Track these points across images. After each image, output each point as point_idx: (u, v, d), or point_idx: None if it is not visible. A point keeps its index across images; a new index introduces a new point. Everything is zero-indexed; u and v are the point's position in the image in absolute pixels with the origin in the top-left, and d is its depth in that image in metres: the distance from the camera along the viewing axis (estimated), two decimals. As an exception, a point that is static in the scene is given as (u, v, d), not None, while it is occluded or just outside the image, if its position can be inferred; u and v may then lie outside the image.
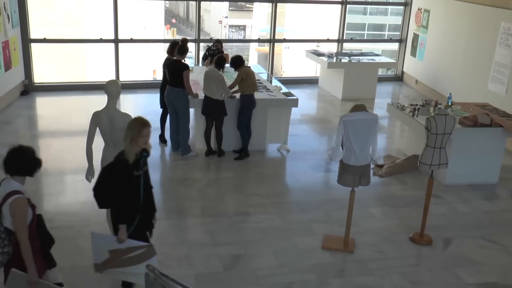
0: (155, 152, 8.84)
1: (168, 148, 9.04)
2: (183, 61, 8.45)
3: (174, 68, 8.32)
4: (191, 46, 9.54)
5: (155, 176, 7.95)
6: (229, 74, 9.61)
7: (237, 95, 8.63)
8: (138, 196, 4.59)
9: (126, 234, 4.51)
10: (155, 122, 9.83)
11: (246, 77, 8.39)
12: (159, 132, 9.27)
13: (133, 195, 4.55)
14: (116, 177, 4.47)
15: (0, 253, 3.94)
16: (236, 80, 8.47)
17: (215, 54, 9.67)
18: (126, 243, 4.48)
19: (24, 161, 3.97)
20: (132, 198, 4.55)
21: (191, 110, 8.83)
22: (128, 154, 4.44)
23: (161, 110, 9.19)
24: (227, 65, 8.89)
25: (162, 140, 9.21)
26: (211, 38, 11.86)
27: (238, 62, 8.51)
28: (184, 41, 8.80)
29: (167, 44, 9.16)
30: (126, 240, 4.49)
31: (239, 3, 34.99)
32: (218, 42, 11.05)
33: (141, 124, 4.46)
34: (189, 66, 8.61)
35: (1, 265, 4.01)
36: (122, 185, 4.46)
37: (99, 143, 5.49)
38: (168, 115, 8.86)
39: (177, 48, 8.42)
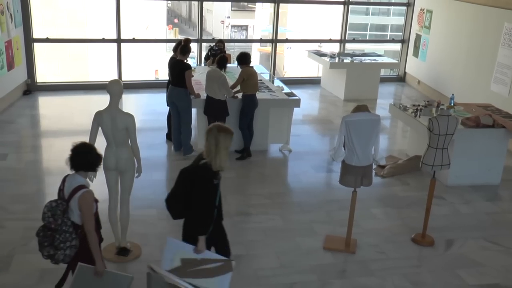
0: (157, 151, 8.84)
1: (170, 147, 9.03)
2: (185, 61, 8.45)
3: (177, 67, 8.33)
4: (193, 46, 9.53)
5: (156, 175, 7.97)
6: (231, 74, 9.62)
7: (239, 95, 8.63)
8: (214, 205, 4.46)
9: (205, 245, 4.36)
10: (155, 122, 9.88)
11: (247, 78, 8.39)
12: (165, 131, 9.30)
13: (211, 204, 4.41)
14: (197, 184, 4.29)
15: (68, 246, 4.09)
16: (237, 80, 8.47)
17: (217, 54, 9.67)
18: (203, 254, 4.35)
19: (89, 158, 4.17)
20: (210, 207, 4.42)
21: (193, 110, 8.83)
22: (223, 162, 4.30)
23: (167, 109, 9.18)
24: (230, 65, 8.89)
25: (169, 139, 9.22)
26: (213, 38, 11.87)
27: (243, 59, 8.52)
28: (187, 41, 8.80)
29: (169, 44, 9.17)
30: (205, 251, 4.36)
31: (241, 3, 34.98)
32: (220, 42, 11.04)
33: (232, 134, 4.42)
34: (191, 66, 8.61)
35: (69, 258, 4.15)
36: (202, 193, 4.31)
37: (101, 142, 5.48)
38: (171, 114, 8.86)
39: (180, 48, 8.43)
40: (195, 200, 4.30)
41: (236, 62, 8.75)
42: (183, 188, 4.36)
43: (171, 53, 9.07)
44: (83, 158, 4.16)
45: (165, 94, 9.12)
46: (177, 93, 8.40)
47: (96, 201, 4.19)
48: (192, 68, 8.61)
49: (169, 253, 4.39)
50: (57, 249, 4.10)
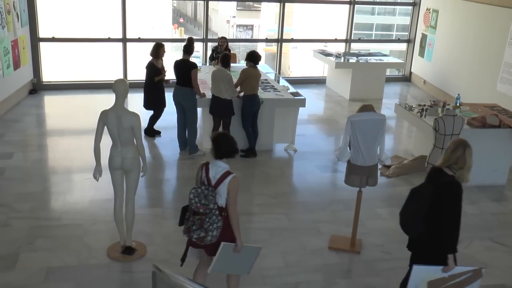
0: (162, 150, 8.85)
1: (176, 147, 9.03)
2: (190, 60, 8.47)
3: (182, 67, 8.34)
4: (199, 45, 9.56)
5: (162, 175, 7.98)
6: (236, 73, 9.61)
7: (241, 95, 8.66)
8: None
9: (454, 262, 4.27)
10: (160, 121, 9.86)
11: (246, 78, 8.39)
12: (171, 130, 9.33)
13: (460, 220, 4.31)
14: (449, 202, 4.18)
15: (215, 228, 4.40)
16: (238, 80, 8.47)
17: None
18: (451, 271, 4.26)
19: (231, 146, 4.49)
20: (459, 223, 4.31)
21: (199, 110, 8.84)
22: (469, 175, 4.30)
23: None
24: (235, 64, 8.90)
25: (151, 135, 9.30)
26: (218, 38, 11.86)
27: (250, 58, 8.53)
28: (190, 40, 8.84)
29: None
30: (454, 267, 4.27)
31: (247, 2, 34.97)
32: (223, 39, 11.05)
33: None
34: (197, 65, 8.63)
35: (215, 239, 4.42)
36: (455, 210, 4.19)
37: (107, 142, 5.50)
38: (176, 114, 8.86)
39: (184, 47, 8.47)
40: (447, 218, 4.20)
41: (240, 62, 8.76)
42: (430, 207, 4.27)
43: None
44: (227, 146, 4.45)
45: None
46: (183, 93, 8.41)
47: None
48: (198, 68, 8.62)
49: (414, 281, 4.32)
50: (207, 232, 4.40)
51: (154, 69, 9.05)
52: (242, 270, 4.76)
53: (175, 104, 8.64)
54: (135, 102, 11.60)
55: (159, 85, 9.21)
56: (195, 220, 4.43)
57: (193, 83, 8.30)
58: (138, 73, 14.50)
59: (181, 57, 8.56)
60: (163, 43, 9.27)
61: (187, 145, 8.77)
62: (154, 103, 9.32)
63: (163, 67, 9.23)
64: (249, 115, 8.59)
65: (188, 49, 8.47)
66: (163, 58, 9.23)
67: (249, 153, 8.74)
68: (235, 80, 8.58)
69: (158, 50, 9.02)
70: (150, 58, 9.16)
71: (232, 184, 4.42)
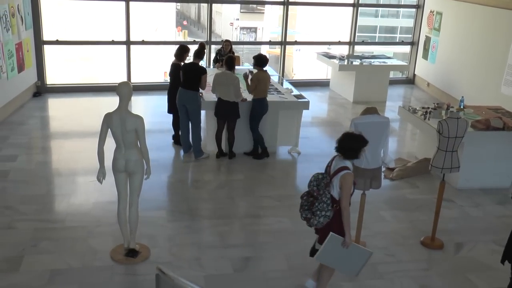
0: (166, 153, 8.86)
1: (178, 150, 9.04)
2: (200, 64, 8.50)
3: (191, 71, 8.34)
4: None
5: (165, 177, 7.99)
6: (241, 76, 9.62)
7: (248, 98, 8.65)
8: None
9: None
10: (165, 124, 9.89)
11: (258, 82, 8.40)
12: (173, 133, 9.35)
13: None
14: None
15: (323, 215, 4.68)
16: (252, 84, 8.44)
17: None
18: None
19: (354, 146, 4.71)
20: None
21: (202, 112, 8.84)
22: None
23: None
24: (239, 67, 8.91)
25: (176, 143, 9.21)
26: (222, 40, 11.89)
27: (259, 62, 8.53)
28: (202, 45, 8.86)
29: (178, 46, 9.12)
30: None
31: (251, 5, 34.99)
32: (228, 42, 11.08)
33: None
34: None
35: (321, 225, 4.74)
36: None
37: (110, 144, 5.51)
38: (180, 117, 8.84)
39: (195, 52, 8.50)
40: None
41: (244, 64, 8.76)
42: None
43: None
44: (349, 145, 4.72)
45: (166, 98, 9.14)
46: (188, 96, 8.40)
47: (354, 184, 4.76)
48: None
49: None
50: (313, 215, 4.72)
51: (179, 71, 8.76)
52: (350, 271, 4.90)
53: (179, 107, 8.63)
54: (139, 104, 11.65)
55: None
56: (308, 201, 4.81)
57: (203, 87, 8.32)
58: (142, 76, 14.53)
59: (191, 61, 8.55)
60: (187, 45, 9.06)
61: (190, 148, 8.77)
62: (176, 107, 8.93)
63: None
64: (259, 118, 8.59)
65: (199, 54, 8.51)
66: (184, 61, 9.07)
67: (262, 155, 8.75)
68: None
69: (182, 53, 8.80)
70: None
71: (344, 180, 4.64)
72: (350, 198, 4.73)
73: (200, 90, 8.52)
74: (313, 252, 5.02)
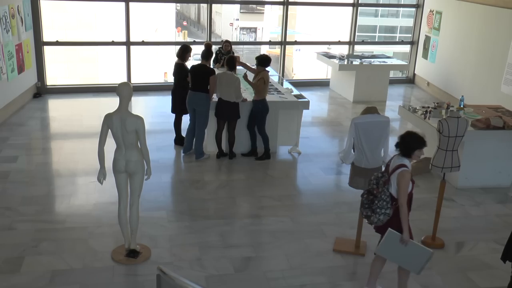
0: (166, 153, 8.86)
1: (179, 150, 9.04)
2: (208, 65, 8.49)
3: (200, 72, 8.33)
4: (201, 48, 9.56)
5: (166, 177, 7.99)
6: (240, 75, 9.62)
7: (248, 98, 8.65)
8: None
9: None
10: (165, 124, 9.90)
11: (266, 83, 8.42)
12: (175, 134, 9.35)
13: None
14: None
15: (383, 213, 4.81)
16: (260, 84, 8.41)
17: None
18: None
19: (411, 144, 4.84)
20: None
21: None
22: None
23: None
24: (238, 67, 8.89)
25: (178, 144, 9.20)
26: (221, 41, 11.90)
27: (264, 62, 8.52)
28: (208, 46, 8.85)
29: (178, 47, 9.11)
30: None
31: (250, 5, 34.99)
32: (227, 42, 11.08)
33: None
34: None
35: (381, 223, 4.87)
36: None
37: (111, 145, 5.51)
38: (189, 119, 8.81)
39: (202, 53, 8.51)
40: None
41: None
42: None
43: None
44: (407, 145, 4.83)
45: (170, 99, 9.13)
46: (198, 98, 8.37)
47: (413, 182, 4.84)
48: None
49: None
50: (373, 212, 4.85)
51: (185, 70, 8.74)
52: (412, 268, 4.91)
53: (189, 110, 8.59)
54: (139, 105, 11.65)
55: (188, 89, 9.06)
56: (368, 199, 4.93)
57: (210, 88, 8.32)
58: (142, 77, 14.53)
59: (199, 63, 8.55)
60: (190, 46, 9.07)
61: (191, 149, 8.77)
62: (180, 107, 8.96)
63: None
64: (264, 118, 8.59)
65: (207, 55, 8.51)
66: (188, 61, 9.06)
67: (263, 156, 8.75)
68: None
69: (184, 53, 8.80)
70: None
71: (401, 177, 4.72)
72: (408, 196, 4.79)
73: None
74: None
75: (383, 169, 6.38)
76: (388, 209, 4.79)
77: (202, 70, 8.35)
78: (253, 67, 9.05)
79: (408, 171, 4.75)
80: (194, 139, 8.68)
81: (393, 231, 4.77)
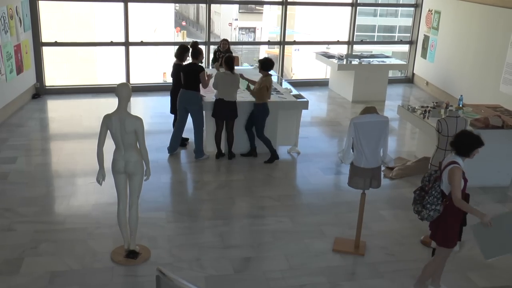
0: (166, 154, 8.85)
1: (179, 150, 9.04)
2: (199, 64, 8.50)
3: (190, 70, 8.34)
4: (201, 48, 9.55)
5: (165, 178, 7.99)
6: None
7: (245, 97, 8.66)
8: None
9: None
10: (164, 125, 9.90)
11: (270, 87, 8.42)
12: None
13: None
14: None
15: (433, 209, 4.87)
16: (262, 88, 8.37)
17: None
18: None
19: (466, 142, 4.86)
20: None
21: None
22: None
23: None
24: (237, 67, 8.89)
25: (181, 144, 9.20)
26: (220, 40, 11.91)
27: (265, 66, 8.48)
28: (193, 44, 8.81)
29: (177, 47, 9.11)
30: None
31: (249, 5, 35.02)
32: (225, 41, 11.06)
33: None
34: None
35: (431, 219, 4.93)
36: None
37: (110, 146, 5.51)
38: (177, 117, 8.83)
39: (191, 53, 8.49)
40: None
41: (243, 65, 8.74)
42: None
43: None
44: (461, 144, 4.85)
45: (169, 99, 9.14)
46: (189, 96, 8.40)
47: (466, 180, 4.88)
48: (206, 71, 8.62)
49: None
50: (424, 208, 4.90)
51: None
52: None
53: (179, 108, 8.61)
54: (138, 105, 11.65)
55: None
56: (420, 195, 5.02)
57: (203, 82, 8.34)
58: (141, 77, 14.53)
59: (190, 62, 8.56)
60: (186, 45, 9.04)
61: (176, 150, 8.77)
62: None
63: None
64: (264, 122, 8.58)
65: (194, 54, 8.49)
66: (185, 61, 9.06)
67: (272, 158, 8.72)
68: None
69: (182, 53, 8.82)
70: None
71: (451, 173, 4.75)
72: (462, 193, 4.80)
73: (201, 92, 8.51)
74: (433, 253, 5.28)
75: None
76: (439, 205, 4.85)
77: (191, 69, 8.37)
78: (253, 78, 8.99)
79: (459, 167, 4.79)
80: (194, 139, 8.68)
81: (474, 225, 4.78)
